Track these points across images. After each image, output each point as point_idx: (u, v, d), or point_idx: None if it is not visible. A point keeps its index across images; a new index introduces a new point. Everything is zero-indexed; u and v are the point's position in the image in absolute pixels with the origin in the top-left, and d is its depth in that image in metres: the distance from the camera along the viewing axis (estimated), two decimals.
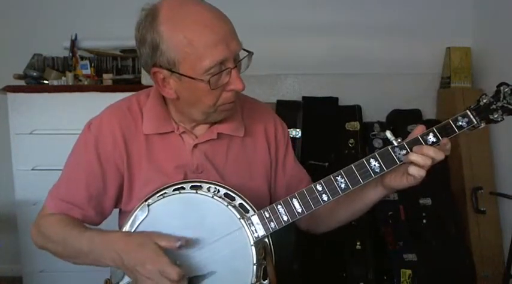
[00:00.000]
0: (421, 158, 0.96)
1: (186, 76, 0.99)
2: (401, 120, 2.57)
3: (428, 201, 2.44)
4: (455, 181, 2.50)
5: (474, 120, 0.98)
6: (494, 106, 0.99)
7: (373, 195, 1.09)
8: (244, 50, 1.02)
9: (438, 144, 0.99)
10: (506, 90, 0.99)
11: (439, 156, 0.97)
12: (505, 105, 0.99)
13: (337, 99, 2.68)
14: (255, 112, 1.22)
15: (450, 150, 0.99)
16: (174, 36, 0.96)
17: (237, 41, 1.00)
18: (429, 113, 2.72)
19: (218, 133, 1.12)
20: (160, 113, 1.12)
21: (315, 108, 2.60)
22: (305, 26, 2.75)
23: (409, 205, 2.43)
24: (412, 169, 0.97)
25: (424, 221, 2.41)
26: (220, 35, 0.96)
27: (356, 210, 1.14)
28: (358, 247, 2.32)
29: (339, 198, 1.02)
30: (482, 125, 0.99)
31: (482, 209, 2.41)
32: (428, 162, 0.97)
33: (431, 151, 0.96)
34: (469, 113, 0.99)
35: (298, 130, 2.50)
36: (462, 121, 0.98)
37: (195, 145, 1.12)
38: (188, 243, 0.99)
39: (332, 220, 1.20)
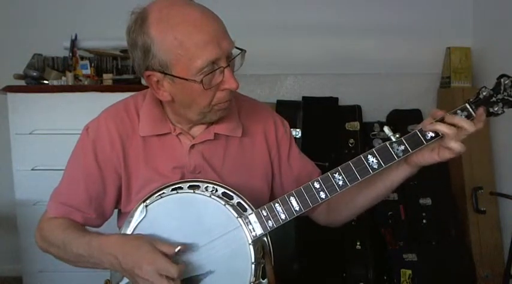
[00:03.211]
0: (447, 128, 0.93)
1: (179, 77, 0.98)
2: (401, 120, 2.58)
3: (428, 201, 2.44)
4: (455, 181, 2.50)
5: (473, 113, 0.95)
6: (494, 99, 0.96)
7: (397, 174, 1.04)
8: (237, 48, 1.02)
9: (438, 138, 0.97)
10: (506, 82, 0.96)
11: (471, 127, 0.92)
12: (506, 97, 0.95)
13: (337, 99, 2.68)
14: (253, 113, 1.21)
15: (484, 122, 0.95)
16: (164, 38, 0.96)
17: (228, 39, 0.99)
18: (429, 113, 2.71)
19: (215, 133, 1.12)
20: (156, 115, 1.11)
21: (315, 108, 2.61)
22: (305, 26, 2.75)
23: (409, 205, 2.43)
24: (453, 144, 0.92)
25: (424, 221, 2.41)
26: (211, 34, 0.96)
27: (378, 193, 1.09)
28: (358, 247, 2.32)
29: (358, 184, 0.99)
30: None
31: (482, 209, 2.41)
32: (453, 132, 0.92)
33: (462, 122, 0.92)
34: (468, 106, 0.96)
35: (298, 130, 2.50)
36: (461, 115, 0.95)
37: (192, 146, 1.11)
38: (186, 249, 0.98)
39: (352, 207, 1.15)
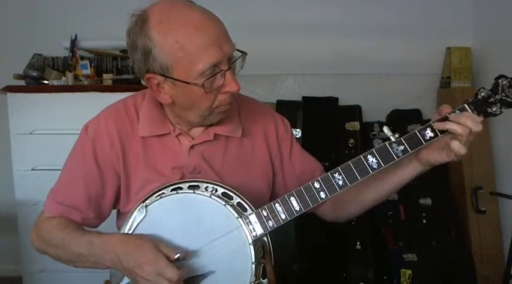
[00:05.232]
0: (458, 127, 0.92)
1: (180, 81, 0.98)
2: (401, 120, 2.59)
3: (428, 201, 2.44)
4: (455, 181, 2.50)
5: (472, 113, 0.95)
6: (492, 99, 0.96)
7: (407, 172, 1.03)
8: (238, 50, 1.01)
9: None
10: (504, 82, 0.96)
11: (477, 126, 0.92)
12: (504, 98, 0.96)
13: (337, 99, 2.68)
14: (253, 113, 1.21)
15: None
16: (165, 40, 0.95)
17: (229, 42, 0.99)
18: (429, 113, 2.72)
19: (215, 134, 1.12)
20: (156, 116, 1.11)
21: (315, 108, 2.61)
22: (305, 26, 2.75)
23: (409, 205, 2.44)
24: (454, 144, 0.93)
25: (424, 221, 2.41)
26: (212, 37, 0.95)
27: (387, 189, 1.09)
28: (358, 247, 2.32)
29: (366, 181, 0.99)
30: (481, 119, 0.95)
31: (482, 209, 2.41)
32: (465, 130, 0.92)
33: (469, 121, 0.92)
34: (466, 107, 0.96)
35: (298, 130, 2.50)
36: None
37: (192, 147, 1.11)
38: (187, 256, 0.98)
39: (359, 204, 1.15)
